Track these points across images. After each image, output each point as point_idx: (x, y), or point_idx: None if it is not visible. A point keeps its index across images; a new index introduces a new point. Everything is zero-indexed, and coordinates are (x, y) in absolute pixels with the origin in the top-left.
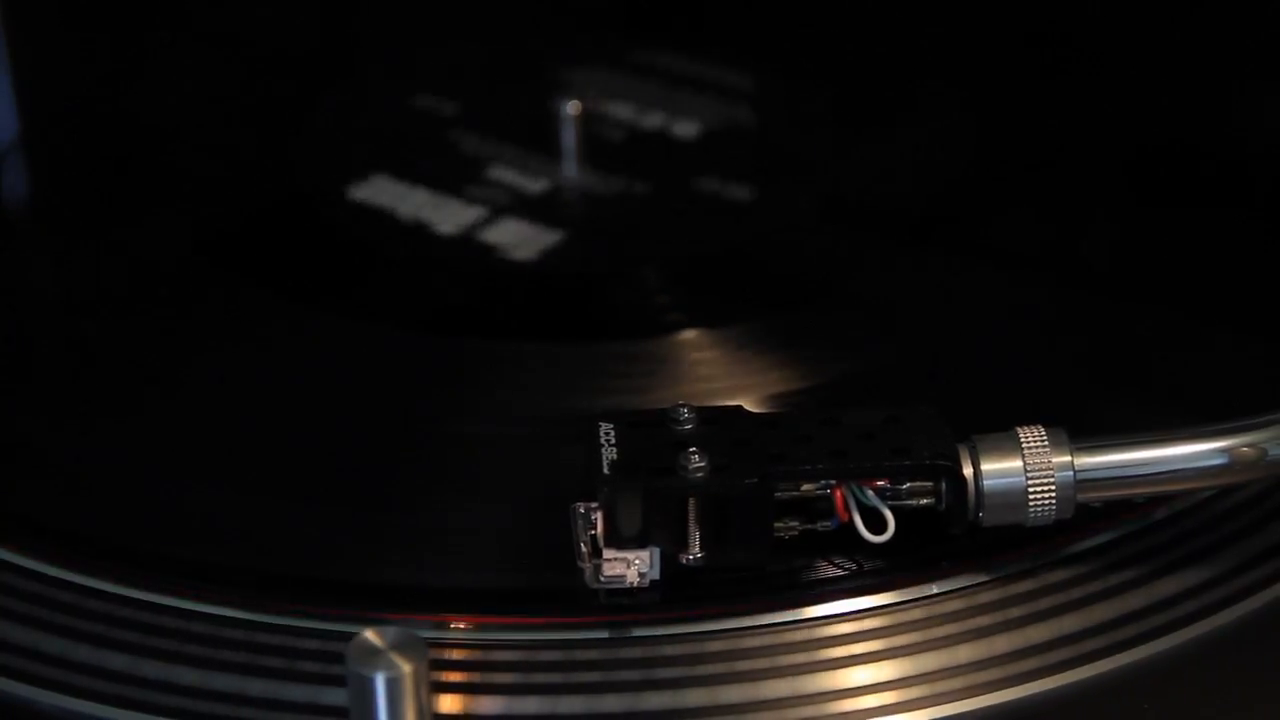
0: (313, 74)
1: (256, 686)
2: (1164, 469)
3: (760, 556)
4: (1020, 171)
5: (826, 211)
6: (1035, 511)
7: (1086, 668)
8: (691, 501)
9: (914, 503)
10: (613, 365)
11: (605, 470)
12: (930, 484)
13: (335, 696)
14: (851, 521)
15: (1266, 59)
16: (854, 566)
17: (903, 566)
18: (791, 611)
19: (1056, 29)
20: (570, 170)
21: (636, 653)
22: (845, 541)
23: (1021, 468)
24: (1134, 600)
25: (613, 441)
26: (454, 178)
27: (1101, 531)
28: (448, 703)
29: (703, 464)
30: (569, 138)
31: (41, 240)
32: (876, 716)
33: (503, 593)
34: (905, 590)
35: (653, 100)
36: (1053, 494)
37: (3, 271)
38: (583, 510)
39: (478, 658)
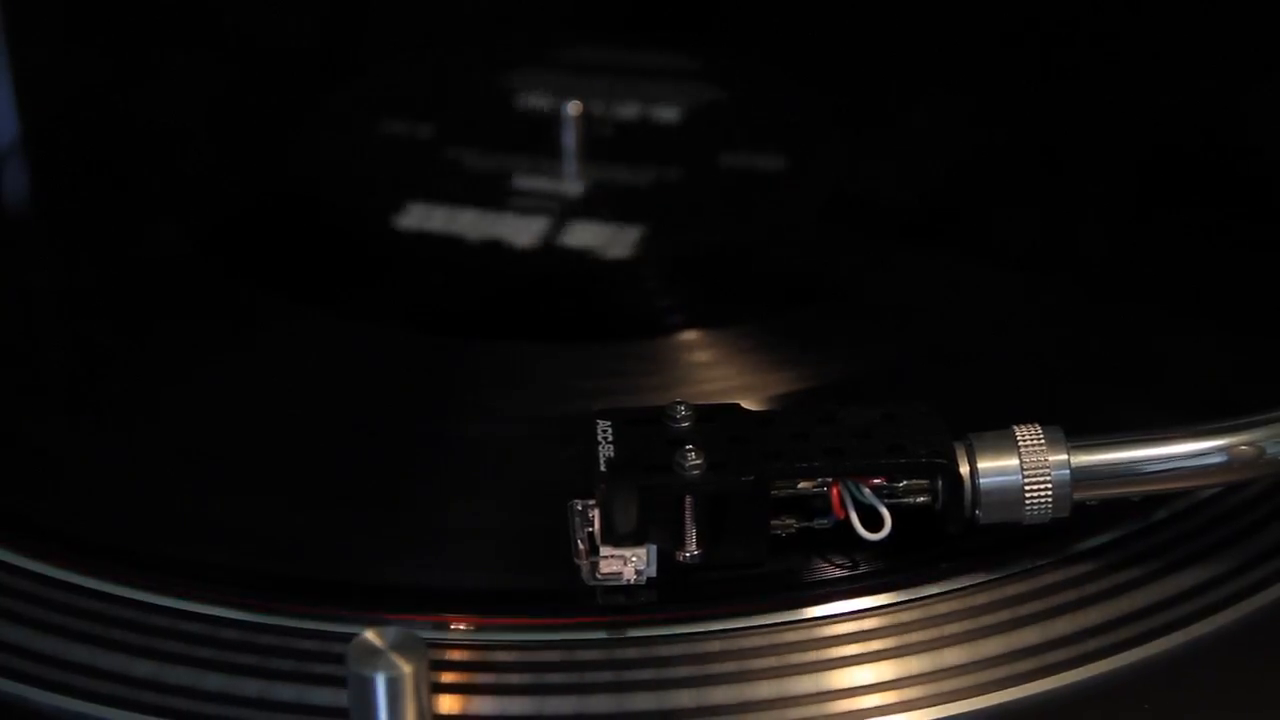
0: (313, 74)
1: (256, 687)
2: (1161, 467)
3: (757, 554)
4: (1021, 171)
5: (827, 211)
6: (1032, 510)
7: (1086, 668)
8: (688, 499)
9: (911, 501)
10: (613, 365)
11: (602, 467)
12: (927, 482)
13: (335, 697)
14: (848, 519)
15: (1266, 60)
16: (851, 564)
17: (902, 567)
18: (791, 612)
19: (1057, 29)
20: (570, 170)
21: (636, 653)
22: (842, 539)
23: (1018, 466)
24: (1134, 600)
25: (610, 439)
26: (454, 178)
27: (1101, 532)
28: (448, 703)
29: (699, 462)
30: (569, 138)
31: (42, 240)
32: (876, 717)
33: (503, 593)
34: (905, 591)
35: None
36: (1049, 492)
37: (3, 271)
38: (580, 507)
39: (478, 658)
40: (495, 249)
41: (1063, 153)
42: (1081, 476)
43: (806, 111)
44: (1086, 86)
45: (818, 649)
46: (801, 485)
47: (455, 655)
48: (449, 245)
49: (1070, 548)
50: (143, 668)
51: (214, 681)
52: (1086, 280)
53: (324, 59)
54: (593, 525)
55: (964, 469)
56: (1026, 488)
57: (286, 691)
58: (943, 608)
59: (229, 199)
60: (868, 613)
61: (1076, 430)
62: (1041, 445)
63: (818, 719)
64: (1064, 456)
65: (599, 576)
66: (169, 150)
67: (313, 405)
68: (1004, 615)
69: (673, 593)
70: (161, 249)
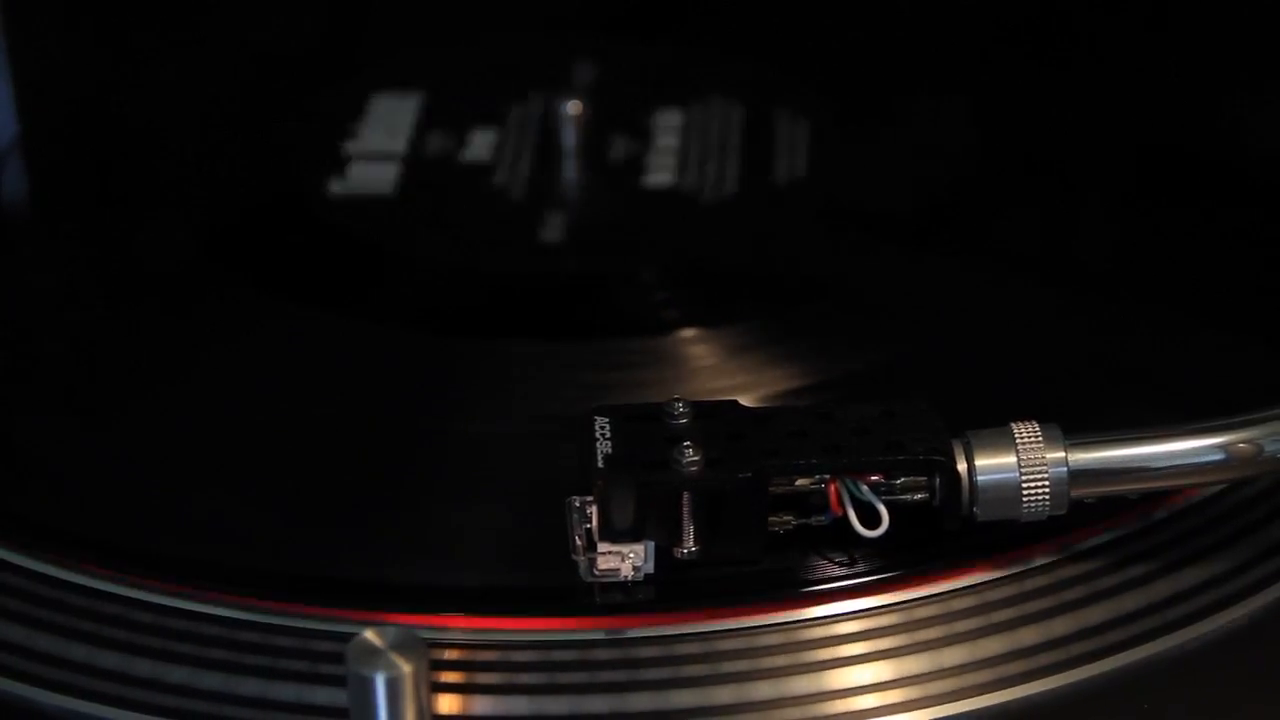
0: (312, 74)
1: (256, 687)
2: (1160, 465)
3: (754, 551)
4: (1020, 172)
5: (826, 211)
6: (1029, 507)
7: (1086, 668)
8: (685, 495)
9: (908, 498)
10: (613, 365)
11: (600, 464)
12: (924, 479)
13: (335, 697)
14: (846, 516)
15: (1266, 60)
16: (848, 561)
17: (902, 567)
18: (790, 612)
19: (1056, 29)
20: (570, 170)
21: (636, 653)
22: (840, 536)
23: (1015, 463)
24: (1134, 600)
25: (608, 435)
26: (454, 177)
27: (1101, 531)
28: (447, 703)
29: (697, 458)
30: (569, 138)
31: (41, 240)
32: (875, 717)
33: (503, 592)
34: (904, 590)
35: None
36: (1046, 490)
37: (3, 271)
38: (578, 504)
39: (478, 658)
40: (495, 248)
41: (1062, 152)
42: (1079, 474)
43: (807, 111)
44: (1085, 86)
45: (818, 649)
46: (799, 482)
47: (455, 655)
48: (449, 245)
49: (1070, 547)
50: (142, 666)
51: (213, 680)
52: (1085, 279)
53: (323, 58)
54: (590, 522)
55: (961, 466)
56: (1024, 485)
57: (286, 691)
58: (942, 608)
59: (228, 199)
60: (865, 613)
61: (1074, 428)
62: (1039, 443)
63: (817, 719)
64: (1061, 454)
65: (596, 573)
66: (169, 150)
67: (313, 405)
68: (1002, 615)
69: (670, 590)
70: (161, 249)
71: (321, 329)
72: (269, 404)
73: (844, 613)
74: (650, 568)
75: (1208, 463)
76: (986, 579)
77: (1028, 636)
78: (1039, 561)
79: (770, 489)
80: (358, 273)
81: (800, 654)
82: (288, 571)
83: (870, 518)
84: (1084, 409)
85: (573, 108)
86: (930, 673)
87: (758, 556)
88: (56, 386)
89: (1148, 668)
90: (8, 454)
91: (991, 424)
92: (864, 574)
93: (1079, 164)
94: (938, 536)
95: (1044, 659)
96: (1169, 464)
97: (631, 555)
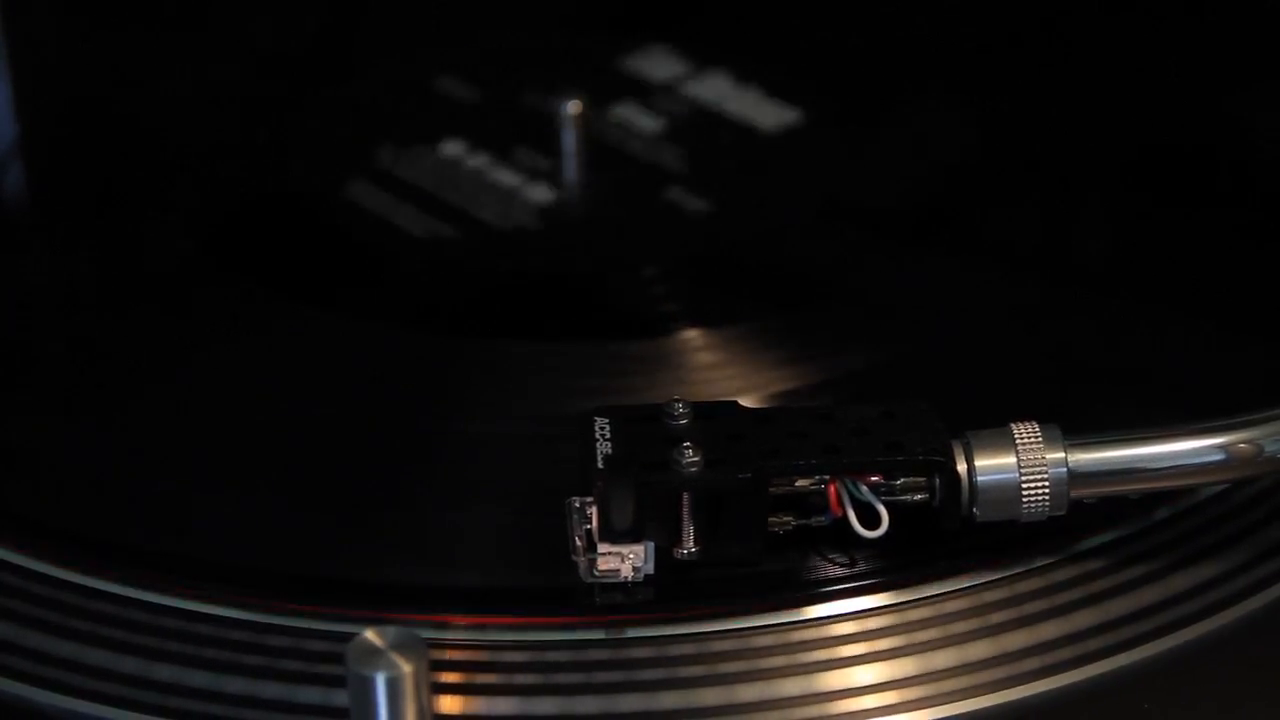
0: (312, 73)
1: (254, 686)
2: (1159, 465)
3: (754, 551)
4: (1019, 171)
5: (826, 211)
6: (1028, 508)
7: (1086, 668)
8: (685, 496)
9: (908, 498)
10: (613, 365)
11: (600, 464)
12: (924, 480)
13: (335, 697)
14: (845, 517)
15: (1265, 58)
16: (848, 562)
17: (901, 567)
18: (789, 612)
19: (1055, 28)
20: (570, 170)
21: (635, 653)
22: (840, 537)
23: (1015, 464)
24: (1134, 600)
25: (608, 436)
26: (454, 177)
27: (1101, 531)
28: (447, 703)
29: (696, 459)
30: (569, 138)
31: (41, 239)
32: (875, 717)
33: (503, 592)
34: (903, 591)
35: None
36: (1046, 490)
37: (3, 271)
38: (578, 505)
39: (478, 658)
40: (495, 248)
41: (1062, 152)
42: (1079, 474)
43: (807, 111)
44: (1085, 86)
45: (814, 649)
46: (799, 483)
47: (455, 655)
48: (448, 244)
49: (1070, 547)
50: (140, 667)
51: (212, 681)
52: (1085, 279)
53: (323, 57)
54: (590, 522)
55: (961, 467)
56: (1023, 486)
57: (284, 691)
58: (941, 608)
59: (228, 198)
60: (865, 613)
61: (1074, 428)
62: (1039, 443)
63: (816, 719)
64: (1061, 454)
65: (596, 574)
66: (169, 150)
67: (312, 405)
68: (1002, 615)
69: (674, 594)
70: (161, 249)
71: (321, 329)
72: (269, 404)
73: (844, 613)
74: (650, 568)
75: (1208, 463)
76: (986, 580)
77: (1026, 637)
78: (1039, 562)
79: (770, 489)
80: (358, 273)
81: (798, 655)
82: (288, 571)
83: (870, 518)
84: (1084, 409)
85: (573, 108)
86: (929, 673)
87: (758, 557)
88: (55, 385)
89: (1148, 668)
90: (8, 454)
91: (991, 424)
92: (863, 575)
93: (1079, 164)
94: (937, 537)
95: (1043, 659)
96: (1169, 464)
97: (631, 556)
